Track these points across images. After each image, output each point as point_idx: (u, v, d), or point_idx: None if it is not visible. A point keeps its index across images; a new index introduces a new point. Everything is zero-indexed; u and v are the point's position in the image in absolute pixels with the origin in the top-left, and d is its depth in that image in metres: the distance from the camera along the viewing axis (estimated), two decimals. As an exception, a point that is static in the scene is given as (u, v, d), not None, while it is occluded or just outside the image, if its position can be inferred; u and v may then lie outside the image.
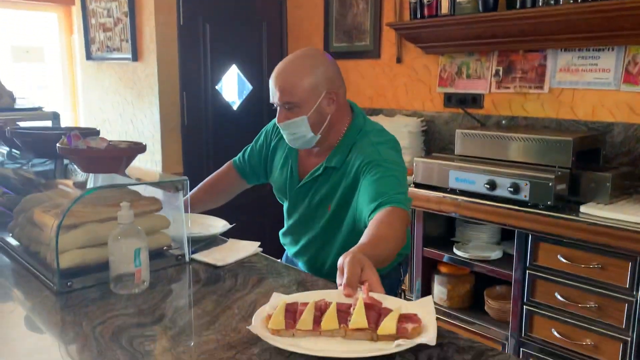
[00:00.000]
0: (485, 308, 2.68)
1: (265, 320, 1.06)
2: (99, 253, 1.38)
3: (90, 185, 1.65)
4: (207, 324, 1.16)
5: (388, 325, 1.00)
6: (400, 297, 1.82)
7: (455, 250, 2.67)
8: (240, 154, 1.93)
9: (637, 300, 2.07)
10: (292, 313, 1.06)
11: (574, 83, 2.63)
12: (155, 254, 1.48)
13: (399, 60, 3.32)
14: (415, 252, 2.79)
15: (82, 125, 4.31)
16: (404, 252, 1.78)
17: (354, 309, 1.03)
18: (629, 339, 2.11)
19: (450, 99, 3.12)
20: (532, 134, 2.47)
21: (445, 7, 2.78)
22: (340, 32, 3.62)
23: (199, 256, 1.55)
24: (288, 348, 0.97)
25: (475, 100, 3.02)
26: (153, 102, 3.40)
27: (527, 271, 2.37)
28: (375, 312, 1.04)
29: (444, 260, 2.71)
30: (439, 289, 2.80)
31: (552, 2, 2.43)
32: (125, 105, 3.69)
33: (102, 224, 1.41)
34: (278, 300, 1.12)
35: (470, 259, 2.61)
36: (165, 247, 1.54)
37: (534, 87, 2.77)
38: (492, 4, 2.64)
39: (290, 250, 1.82)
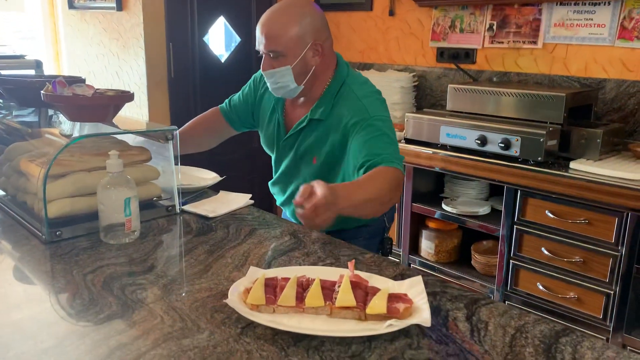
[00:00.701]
0: (472, 263, 2.71)
1: (242, 294, 1.00)
2: (87, 202, 1.36)
3: (76, 134, 1.61)
4: (200, 273, 1.15)
5: (378, 304, 0.93)
6: (387, 247, 1.82)
7: (444, 206, 2.69)
8: (226, 101, 1.89)
9: (621, 255, 2.11)
10: (272, 288, 1.00)
11: (569, 38, 2.60)
12: (145, 205, 1.47)
13: (391, 13, 3.25)
14: (404, 208, 2.80)
15: (66, 77, 4.19)
16: None
17: (339, 287, 0.98)
18: (612, 292, 2.15)
19: (442, 54, 3.07)
20: (524, 89, 2.45)
21: (440, -43, 2.71)
22: (332, -17, 3.52)
23: (189, 207, 1.54)
24: (269, 324, 0.91)
25: (468, 55, 2.97)
26: (139, 54, 3.31)
27: (514, 226, 2.39)
28: (362, 290, 0.98)
29: (433, 215, 2.73)
30: (426, 244, 2.83)
31: (550, -47, 2.37)
32: (110, 57, 3.59)
33: (90, 173, 1.38)
34: (256, 274, 1.05)
35: (459, 215, 2.62)
36: (155, 198, 1.52)
37: (528, 42, 2.74)
38: (488, -46, 2.57)
39: (278, 200, 1.82)
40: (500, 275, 2.48)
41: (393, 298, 0.96)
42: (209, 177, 1.83)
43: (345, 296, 0.96)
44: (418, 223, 2.85)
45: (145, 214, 1.44)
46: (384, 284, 1.02)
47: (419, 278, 1.04)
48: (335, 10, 3.53)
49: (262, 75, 1.75)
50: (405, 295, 0.98)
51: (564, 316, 2.28)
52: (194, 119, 1.91)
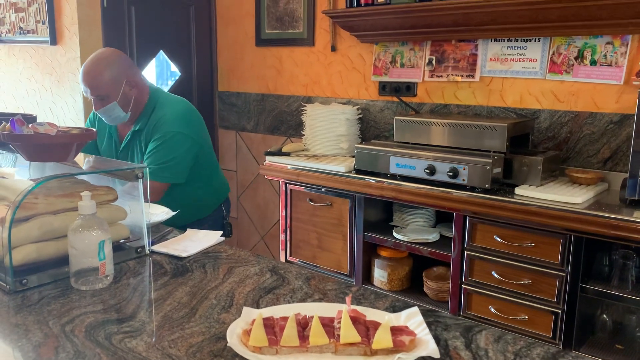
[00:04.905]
0: (424, 289, 2.77)
1: (241, 336, 0.97)
2: (55, 247, 1.28)
3: (33, 176, 1.52)
4: (187, 317, 1.11)
5: (384, 338, 0.93)
6: (228, 230, 2.49)
7: (394, 234, 2.74)
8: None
9: (567, 275, 2.23)
10: (270, 328, 0.98)
11: (504, 72, 2.77)
12: (114, 247, 1.40)
13: (333, 48, 3.33)
14: (356, 238, 2.83)
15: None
16: (223, 196, 2.50)
17: (338, 322, 0.98)
18: (560, 311, 2.26)
19: (384, 88, 3.18)
20: (466, 120, 2.57)
21: (381, -5, 2.82)
22: (273, 19, 3.57)
23: (159, 247, 1.48)
24: None
25: (409, 88, 3.09)
26: (75, 89, 3.19)
27: (465, 252, 2.48)
28: (362, 325, 0.98)
29: (384, 244, 2.77)
30: (379, 273, 2.86)
31: (485, -7, 2.53)
32: (42, 93, 3.43)
33: (56, 216, 1.31)
34: (251, 315, 1.03)
35: (410, 242, 2.68)
36: (122, 240, 1.46)
37: (466, 76, 2.89)
38: (427, -6, 2.71)
39: None
40: (454, 300, 2.54)
41: (396, 331, 0.96)
42: (161, 211, 1.77)
43: (348, 332, 0.95)
44: (370, 252, 2.88)
45: (114, 256, 1.37)
46: (382, 317, 1.03)
47: (416, 309, 1.06)
48: (278, 46, 3.57)
49: (94, 114, 2.31)
50: (406, 327, 0.99)
51: (516, 337, 2.36)
52: None
